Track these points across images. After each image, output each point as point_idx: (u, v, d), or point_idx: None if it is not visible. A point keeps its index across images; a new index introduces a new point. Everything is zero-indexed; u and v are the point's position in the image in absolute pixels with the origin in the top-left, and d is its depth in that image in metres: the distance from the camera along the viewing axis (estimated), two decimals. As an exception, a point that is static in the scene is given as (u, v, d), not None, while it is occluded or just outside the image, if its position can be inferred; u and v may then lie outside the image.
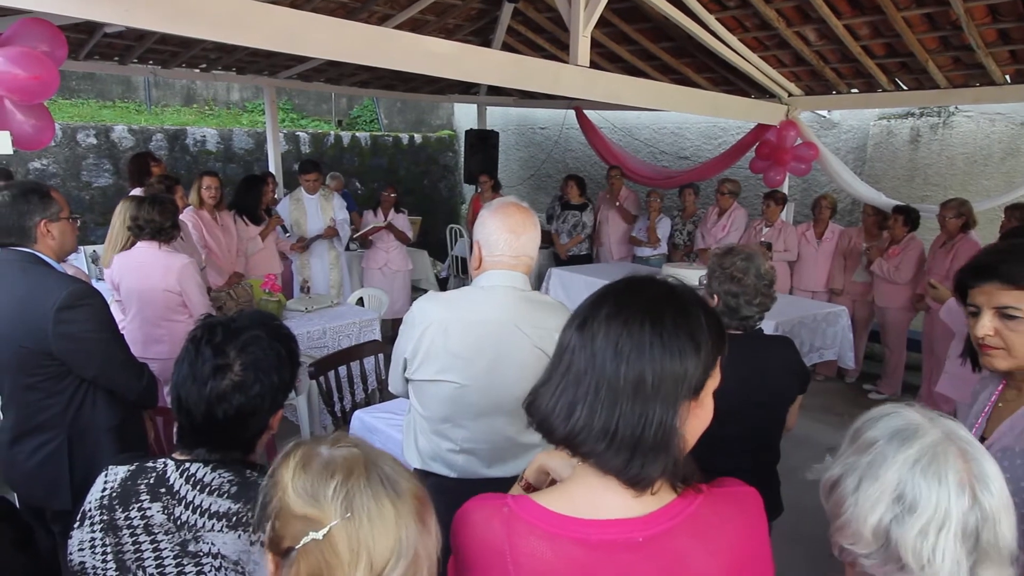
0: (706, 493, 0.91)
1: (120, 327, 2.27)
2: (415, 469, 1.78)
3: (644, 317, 0.85)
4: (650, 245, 6.24)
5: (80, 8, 2.12)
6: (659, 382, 0.83)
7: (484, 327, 1.66)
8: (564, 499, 0.89)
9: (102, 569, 1.14)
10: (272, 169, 6.71)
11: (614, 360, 0.84)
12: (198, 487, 1.15)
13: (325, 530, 0.77)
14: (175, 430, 1.24)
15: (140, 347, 2.91)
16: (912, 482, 0.82)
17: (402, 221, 5.84)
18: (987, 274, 1.29)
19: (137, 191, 4.30)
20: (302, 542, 0.78)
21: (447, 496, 1.73)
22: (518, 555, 0.86)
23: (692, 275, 4.89)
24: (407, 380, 1.77)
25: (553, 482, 1.10)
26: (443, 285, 7.53)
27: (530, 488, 1.14)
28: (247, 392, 1.18)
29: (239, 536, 1.11)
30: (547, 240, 6.55)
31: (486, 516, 0.91)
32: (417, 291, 6.98)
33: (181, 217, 4.09)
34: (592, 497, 0.87)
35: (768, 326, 3.87)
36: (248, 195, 4.99)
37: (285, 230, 5.33)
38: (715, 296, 2.03)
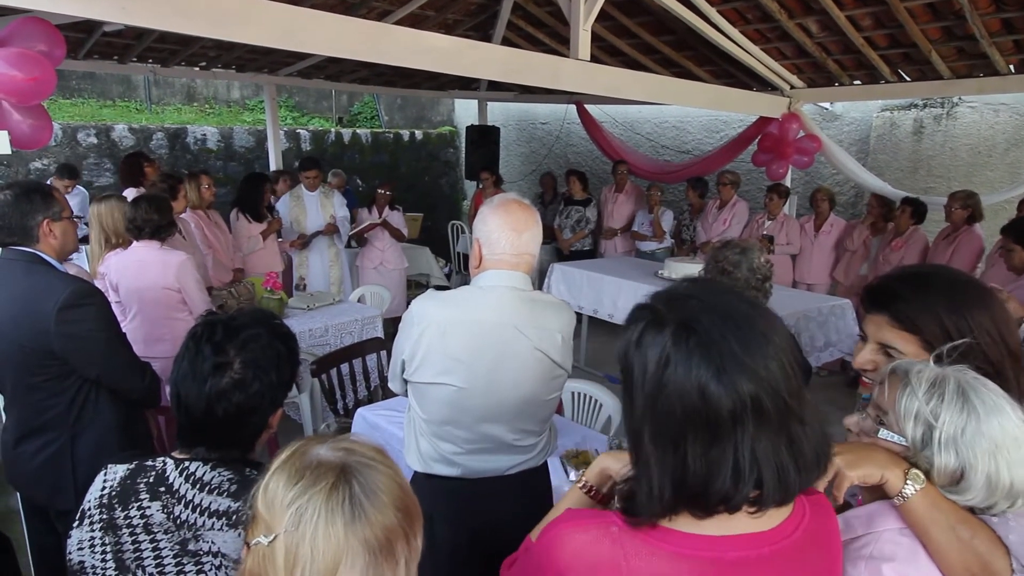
0: (810, 502, 0.88)
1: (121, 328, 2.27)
2: (416, 473, 1.76)
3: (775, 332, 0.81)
4: (656, 239, 6.23)
5: (77, 6, 2.11)
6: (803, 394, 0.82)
7: (483, 328, 1.63)
8: (686, 517, 0.82)
9: (101, 568, 1.13)
10: (272, 167, 6.70)
11: (785, 381, 0.78)
12: (198, 486, 1.14)
13: (271, 538, 0.76)
14: (176, 428, 1.24)
15: (142, 346, 2.91)
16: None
17: (397, 218, 5.74)
18: (879, 306, 1.20)
19: (130, 191, 4.30)
20: (253, 542, 0.78)
21: (452, 497, 1.73)
22: None
23: (693, 269, 4.89)
24: (406, 381, 1.75)
25: (615, 484, 1.06)
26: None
27: (591, 491, 1.11)
28: (247, 390, 1.18)
29: (239, 534, 1.10)
30: (550, 235, 6.54)
31: (593, 537, 0.83)
32: (425, 288, 6.97)
33: (183, 216, 4.10)
34: (723, 515, 0.81)
35: (771, 320, 3.83)
36: (250, 192, 4.99)
37: (280, 235, 5.31)
38: None
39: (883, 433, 1.00)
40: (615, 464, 1.05)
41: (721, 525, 0.81)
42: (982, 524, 0.98)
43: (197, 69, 6.09)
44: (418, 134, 9.78)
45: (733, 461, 0.76)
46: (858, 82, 5.18)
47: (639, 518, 0.82)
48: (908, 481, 0.96)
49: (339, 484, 0.77)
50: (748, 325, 0.78)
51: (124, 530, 1.14)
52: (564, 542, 0.85)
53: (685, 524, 0.82)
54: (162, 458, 1.20)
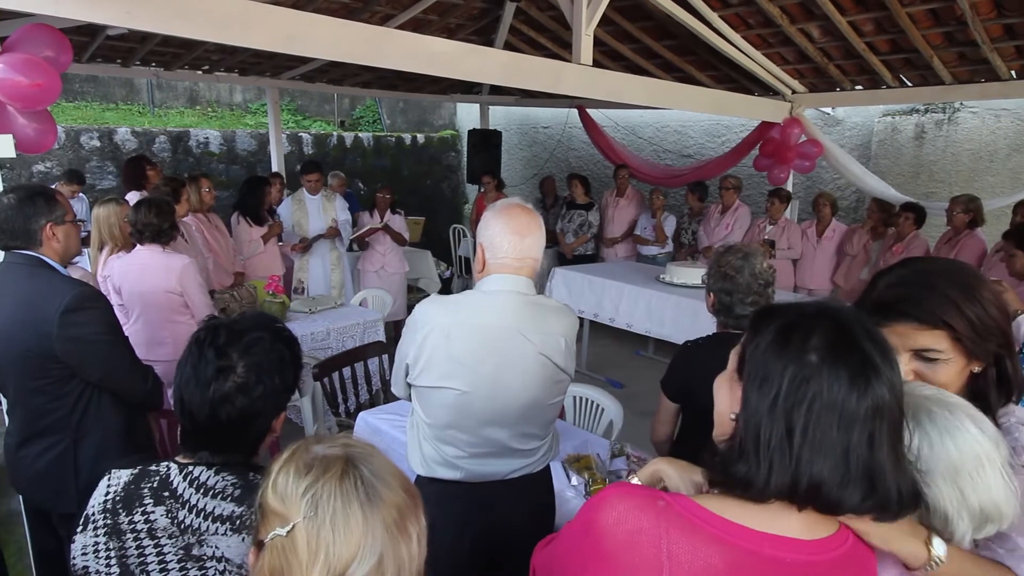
0: (852, 533, 0.89)
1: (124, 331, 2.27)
2: (419, 476, 1.76)
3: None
4: (657, 244, 6.24)
5: (81, 10, 2.12)
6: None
7: (487, 333, 1.63)
8: (736, 505, 0.84)
9: (106, 573, 1.13)
10: (275, 170, 6.71)
11: (901, 399, 0.84)
12: (201, 490, 1.14)
13: (289, 527, 0.77)
14: (179, 433, 1.24)
15: (144, 349, 2.91)
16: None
17: (398, 222, 5.72)
18: (898, 314, 1.10)
19: (133, 195, 4.32)
20: (269, 536, 0.79)
21: (455, 501, 1.73)
22: (676, 551, 0.82)
23: (695, 274, 4.89)
24: (409, 385, 1.75)
25: (664, 488, 1.08)
26: (447, 285, 7.52)
27: None
28: (250, 394, 1.18)
29: (243, 539, 1.10)
30: (552, 239, 6.54)
31: (638, 505, 0.86)
32: (420, 292, 6.97)
33: (185, 220, 4.11)
34: (770, 510, 0.83)
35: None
36: (251, 195, 5.00)
37: (280, 239, 5.30)
38: (711, 294, 2.02)
39: None
40: (669, 469, 1.08)
41: (767, 522, 0.83)
42: (1000, 567, 0.95)
43: (200, 73, 6.10)
44: (420, 138, 9.79)
45: (857, 458, 0.80)
46: (860, 87, 5.19)
47: (733, 488, 0.85)
48: (933, 547, 0.90)
49: (348, 470, 0.79)
50: (885, 341, 0.85)
51: (128, 535, 1.14)
52: (609, 505, 0.87)
53: (731, 512, 0.84)
54: (166, 463, 1.20)
